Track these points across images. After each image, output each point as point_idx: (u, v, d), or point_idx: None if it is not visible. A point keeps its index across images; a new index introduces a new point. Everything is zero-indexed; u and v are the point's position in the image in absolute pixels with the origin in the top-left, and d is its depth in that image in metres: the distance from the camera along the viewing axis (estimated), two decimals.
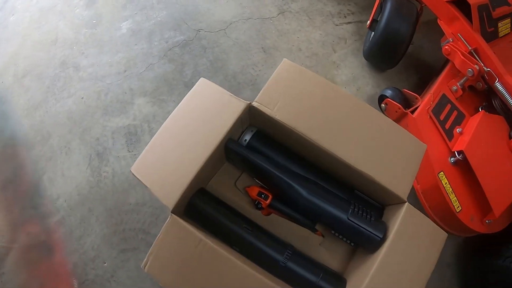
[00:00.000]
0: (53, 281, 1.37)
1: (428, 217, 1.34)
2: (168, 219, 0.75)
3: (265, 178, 0.90)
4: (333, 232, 0.89)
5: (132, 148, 1.53)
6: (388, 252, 0.75)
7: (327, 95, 0.88)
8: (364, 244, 0.83)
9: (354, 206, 0.83)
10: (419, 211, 0.81)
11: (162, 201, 0.77)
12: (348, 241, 0.90)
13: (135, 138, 1.55)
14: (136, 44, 1.77)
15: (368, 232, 0.79)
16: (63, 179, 1.50)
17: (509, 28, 1.47)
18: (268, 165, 0.85)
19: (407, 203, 0.80)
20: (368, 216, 0.82)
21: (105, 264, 1.36)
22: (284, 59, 0.93)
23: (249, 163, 0.86)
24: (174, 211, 0.76)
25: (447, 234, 0.80)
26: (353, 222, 0.80)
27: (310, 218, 0.91)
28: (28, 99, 1.69)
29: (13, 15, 1.99)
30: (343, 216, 0.81)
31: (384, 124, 0.87)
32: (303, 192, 0.83)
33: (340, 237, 0.89)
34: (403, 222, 0.78)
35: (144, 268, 0.73)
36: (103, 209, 1.44)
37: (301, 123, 0.83)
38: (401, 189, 0.81)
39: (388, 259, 0.74)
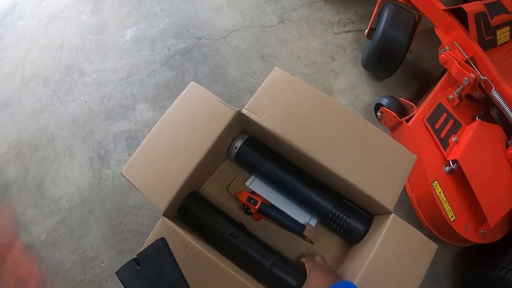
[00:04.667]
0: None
1: (423, 225, 1.33)
2: (159, 221, 0.76)
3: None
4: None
5: (133, 151, 1.48)
6: (373, 262, 0.74)
7: (316, 104, 0.86)
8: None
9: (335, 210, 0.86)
10: (406, 223, 0.79)
11: (154, 204, 0.77)
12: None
13: (135, 142, 1.56)
14: (139, 51, 1.79)
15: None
16: (66, 180, 1.53)
17: (508, 36, 1.45)
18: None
19: (393, 213, 0.79)
20: (346, 217, 0.86)
21: (103, 264, 1.38)
22: (275, 67, 0.92)
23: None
24: (166, 214, 0.76)
25: (437, 245, 0.78)
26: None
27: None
28: (34, 102, 1.73)
29: (21, 20, 2.04)
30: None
31: (373, 134, 0.86)
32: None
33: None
34: (389, 233, 0.77)
35: None
36: (103, 210, 1.46)
37: (288, 131, 0.83)
38: (387, 200, 0.80)
39: (373, 270, 0.73)
